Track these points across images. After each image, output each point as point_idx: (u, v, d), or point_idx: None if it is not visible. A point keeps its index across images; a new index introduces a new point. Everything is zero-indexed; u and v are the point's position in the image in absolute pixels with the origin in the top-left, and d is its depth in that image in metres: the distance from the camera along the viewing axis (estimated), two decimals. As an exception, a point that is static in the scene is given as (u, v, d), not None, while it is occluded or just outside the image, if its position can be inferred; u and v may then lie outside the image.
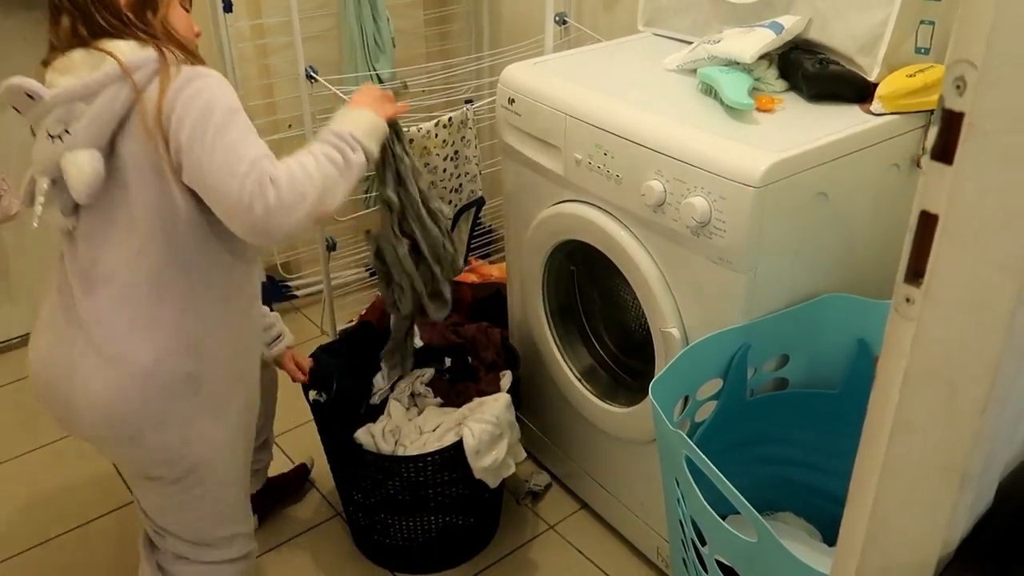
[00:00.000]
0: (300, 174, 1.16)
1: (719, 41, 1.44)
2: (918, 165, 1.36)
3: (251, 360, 1.39)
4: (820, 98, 1.37)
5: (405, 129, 1.59)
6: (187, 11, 1.29)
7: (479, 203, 1.71)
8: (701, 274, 1.30)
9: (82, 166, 1.16)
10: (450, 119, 1.60)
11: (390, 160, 1.40)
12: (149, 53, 1.16)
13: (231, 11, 1.96)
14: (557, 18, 2.03)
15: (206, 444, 1.28)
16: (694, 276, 1.32)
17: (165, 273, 1.20)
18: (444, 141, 1.61)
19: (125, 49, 1.16)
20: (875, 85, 1.34)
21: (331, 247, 2.01)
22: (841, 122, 1.30)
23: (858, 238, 1.37)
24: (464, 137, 1.62)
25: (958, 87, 0.52)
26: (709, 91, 1.41)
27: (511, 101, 1.56)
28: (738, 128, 1.30)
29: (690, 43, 1.61)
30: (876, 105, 1.31)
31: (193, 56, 1.23)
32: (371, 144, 1.26)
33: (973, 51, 0.51)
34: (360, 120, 1.27)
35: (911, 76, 1.31)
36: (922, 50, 1.37)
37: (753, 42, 1.38)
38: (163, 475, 1.29)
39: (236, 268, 1.28)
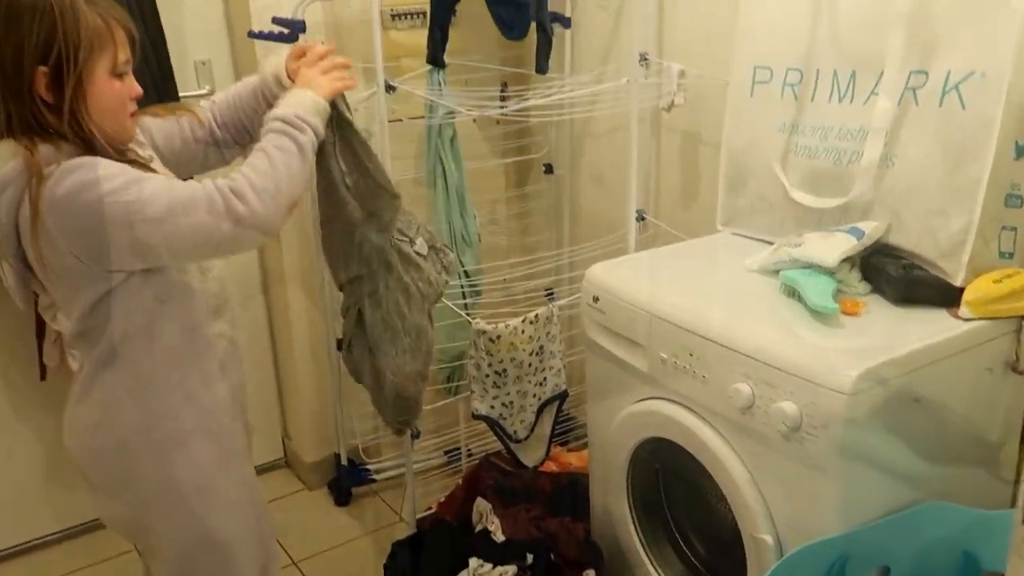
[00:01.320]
0: (257, 177, 1.20)
1: (800, 244, 1.48)
2: (1014, 370, 1.34)
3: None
4: (905, 302, 1.38)
5: (492, 325, 1.65)
6: (121, 78, 1.20)
7: (562, 396, 1.73)
8: (793, 479, 1.28)
9: (5, 277, 1.23)
10: (536, 316, 1.66)
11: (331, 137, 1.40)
12: (14, 165, 1.13)
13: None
14: (637, 215, 2.12)
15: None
16: (786, 481, 1.30)
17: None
18: (531, 337, 1.66)
19: None
20: (961, 289, 1.35)
21: (415, 435, 2.04)
22: (930, 327, 1.30)
23: (955, 443, 1.34)
24: (549, 333, 1.67)
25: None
26: (792, 293, 1.43)
27: (595, 299, 1.61)
28: (826, 332, 1.31)
29: (769, 243, 1.66)
30: (964, 310, 1.32)
31: (106, 148, 1.17)
32: (316, 121, 1.30)
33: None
34: (302, 101, 1.30)
35: (998, 282, 1.32)
36: (1006, 255, 1.38)
37: (834, 247, 1.42)
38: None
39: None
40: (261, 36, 2.10)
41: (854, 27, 1.49)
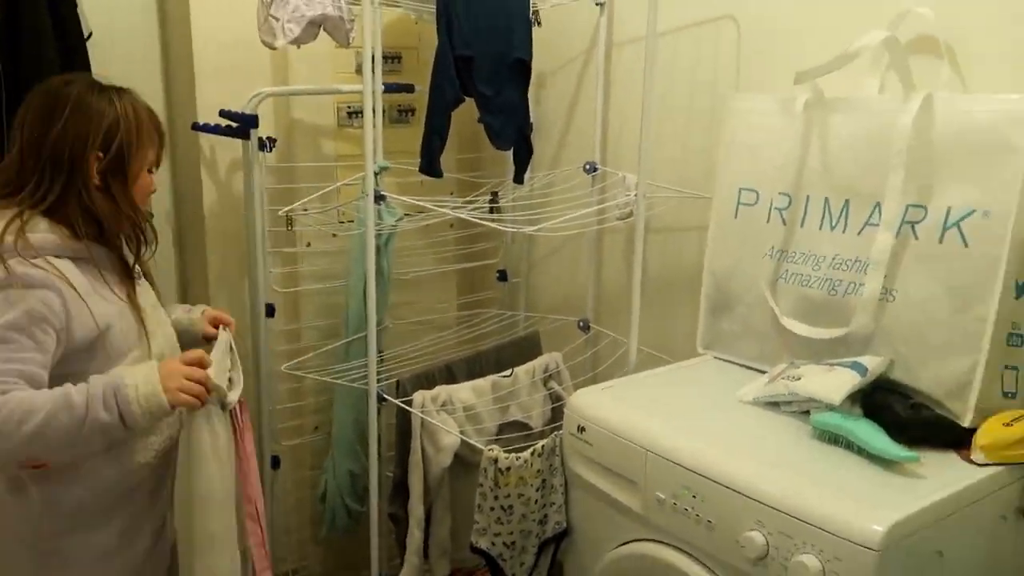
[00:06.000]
0: (16, 413, 1.17)
1: (799, 378, 1.42)
2: (1025, 517, 1.30)
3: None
4: (912, 443, 1.33)
5: (505, 456, 1.53)
6: (151, 172, 1.42)
7: (562, 536, 1.59)
8: (814, 640, 1.18)
9: None
10: (543, 447, 1.54)
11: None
12: None
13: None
14: (581, 323, 2.06)
15: None
16: (805, 642, 1.19)
17: None
18: (538, 471, 1.54)
19: None
20: (968, 431, 1.31)
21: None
22: (947, 473, 1.24)
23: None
24: (552, 465, 1.55)
25: None
26: (829, 438, 1.34)
27: (581, 429, 1.50)
28: (840, 478, 1.24)
29: (757, 370, 1.61)
30: (978, 455, 1.27)
31: (114, 241, 1.38)
32: (138, 416, 1.24)
33: None
34: (147, 389, 1.25)
35: (1008, 425, 1.28)
36: (1008, 394, 1.35)
37: (839, 384, 1.36)
38: None
39: None
40: (207, 129, 1.97)
41: (847, 158, 1.48)
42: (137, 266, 1.43)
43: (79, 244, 1.32)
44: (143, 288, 1.44)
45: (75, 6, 1.83)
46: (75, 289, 1.28)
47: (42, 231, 1.29)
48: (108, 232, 1.35)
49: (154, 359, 1.36)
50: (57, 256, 1.29)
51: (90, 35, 1.89)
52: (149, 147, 1.38)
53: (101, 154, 1.32)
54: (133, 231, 1.39)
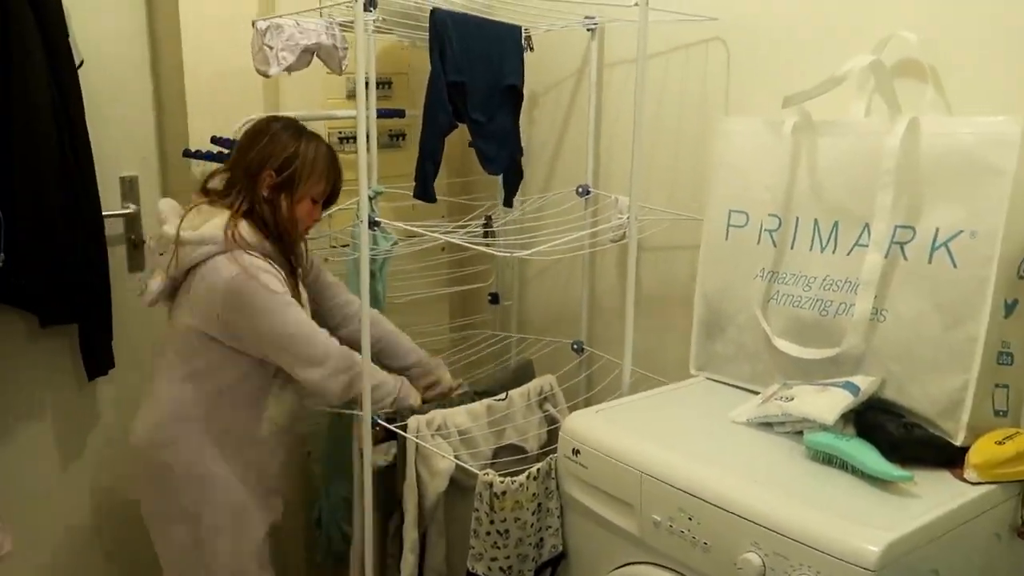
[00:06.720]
0: (347, 361, 1.68)
1: (792, 399, 1.43)
2: (1020, 535, 1.31)
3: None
4: (905, 462, 1.34)
5: (500, 480, 1.55)
6: (316, 203, 1.71)
7: (558, 559, 1.59)
8: (813, 662, 1.18)
9: (151, 286, 1.64)
10: (538, 470, 1.55)
11: None
12: (216, 235, 1.59)
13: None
14: (575, 345, 2.07)
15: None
16: (804, 663, 1.20)
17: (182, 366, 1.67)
18: (534, 494, 1.54)
19: (214, 224, 1.60)
20: (961, 449, 1.32)
21: None
22: (940, 492, 1.25)
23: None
24: (548, 488, 1.55)
25: None
26: (824, 458, 1.34)
27: (576, 452, 1.50)
28: (835, 498, 1.24)
29: (750, 391, 1.62)
30: (971, 474, 1.28)
31: (285, 244, 1.68)
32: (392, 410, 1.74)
33: None
34: (414, 400, 1.79)
35: (1001, 443, 1.29)
36: (1000, 412, 1.37)
37: (832, 404, 1.37)
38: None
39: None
40: (198, 156, 1.98)
41: (835, 180, 1.50)
42: (300, 270, 1.76)
43: (265, 241, 1.65)
44: (301, 288, 1.76)
45: (66, 35, 1.83)
46: (273, 270, 1.63)
47: (244, 229, 1.62)
48: (278, 236, 1.67)
49: None
50: (252, 249, 1.62)
51: (81, 63, 1.89)
52: (317, 183, 1.68)
53: (274, 173, 1.64)
54: (287, 240, 1.68)
